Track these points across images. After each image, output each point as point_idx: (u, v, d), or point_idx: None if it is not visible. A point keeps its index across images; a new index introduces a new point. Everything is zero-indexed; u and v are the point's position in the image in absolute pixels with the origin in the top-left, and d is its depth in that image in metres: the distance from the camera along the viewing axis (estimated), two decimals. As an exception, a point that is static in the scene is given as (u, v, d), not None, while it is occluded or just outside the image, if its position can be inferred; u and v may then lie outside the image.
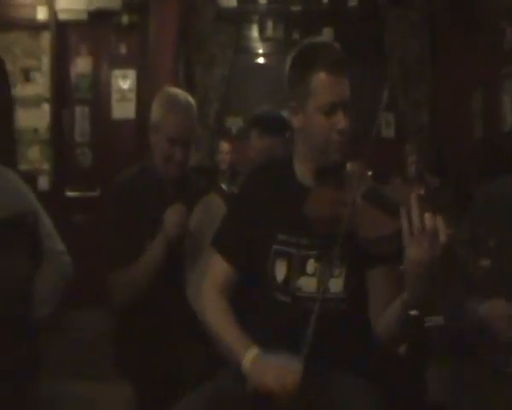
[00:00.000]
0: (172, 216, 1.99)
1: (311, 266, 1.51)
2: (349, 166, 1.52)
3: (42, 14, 4.66)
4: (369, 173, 1.49)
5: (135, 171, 2.17)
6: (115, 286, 2.04)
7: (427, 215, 1.25)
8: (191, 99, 2.14)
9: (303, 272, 1.52)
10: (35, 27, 4.70)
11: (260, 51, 5.46)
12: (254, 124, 2.74)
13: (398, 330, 1.40)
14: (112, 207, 2.15)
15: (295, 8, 5.12)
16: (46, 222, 1.81)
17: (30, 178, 2.06)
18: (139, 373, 1.99)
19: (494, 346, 1.62)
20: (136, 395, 2.04)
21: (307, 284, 1.51)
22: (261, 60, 5.49)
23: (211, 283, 1.61)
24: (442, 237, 1.23)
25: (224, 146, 4.88)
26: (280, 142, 2.64)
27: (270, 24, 5.28)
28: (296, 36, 5.17)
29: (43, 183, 4.64)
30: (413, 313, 1.31)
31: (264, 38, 5.36)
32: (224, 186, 2.00)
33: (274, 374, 1.38)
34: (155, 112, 2.11)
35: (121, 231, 2.05)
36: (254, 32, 5.39)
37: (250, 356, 1.44)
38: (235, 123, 5.33)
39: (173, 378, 1.89)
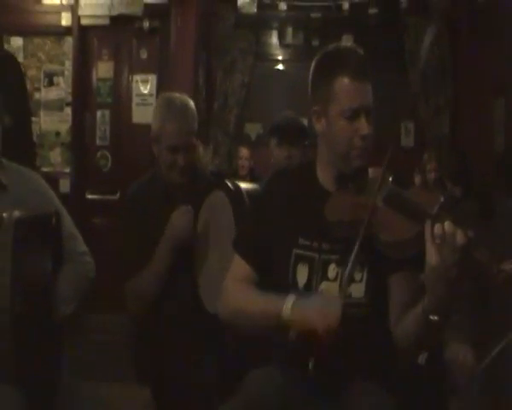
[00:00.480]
0: (179, 220, 1.99)
1: (332, 271, 1.50)
2: (371, 172, 1.52)
3: (66, 20, 4.72)
4: (390, 179, 1.48)
5: (145, 180, 2.18)
6: (129, 296, 2.07)
7: (447, 222, 1.24)
8: (189, 101, 2.12)
9: (324, 277, 1.51)
10: (59, 33, 4.76)
11: (280, 58, 5.48)
12: (274, 132, 2.76)
13: (417, 336, 1.38)
14: (124, 218, 2.18)
15: (315, 14, 5.12)
16: (68, 223, 1.83)
17: (52, 181, 2.08)
18: (156, 379, 2.00)
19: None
20: (154, 399, 2.05)
21: (329, 290, 1.50)
22: (281, 66, 5.51)
23: (231, 279, 1.60)
24: (461, 239, 1.22)
25: (243, 152, 4.89)
26: (299, 151, 2.66)
27: (289, 31, 5.29)
28: (316, 43, 5.18)
29: (65, 185, 4.67)
30: (433, 318, 1.30)
31: (283, 44, 5.37)
32: (229, 184, 1.98)
33: (316, 312, 1.38)
34: (154, 122, 2.10)
35: (133, 243, 2.07)
36: (274, 39, 5.41)
37: (289, 302, 1.43)
38: (254, 129, 5.34)
39: (189, 385, 1.90)
